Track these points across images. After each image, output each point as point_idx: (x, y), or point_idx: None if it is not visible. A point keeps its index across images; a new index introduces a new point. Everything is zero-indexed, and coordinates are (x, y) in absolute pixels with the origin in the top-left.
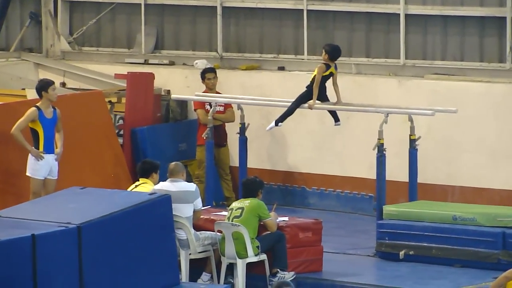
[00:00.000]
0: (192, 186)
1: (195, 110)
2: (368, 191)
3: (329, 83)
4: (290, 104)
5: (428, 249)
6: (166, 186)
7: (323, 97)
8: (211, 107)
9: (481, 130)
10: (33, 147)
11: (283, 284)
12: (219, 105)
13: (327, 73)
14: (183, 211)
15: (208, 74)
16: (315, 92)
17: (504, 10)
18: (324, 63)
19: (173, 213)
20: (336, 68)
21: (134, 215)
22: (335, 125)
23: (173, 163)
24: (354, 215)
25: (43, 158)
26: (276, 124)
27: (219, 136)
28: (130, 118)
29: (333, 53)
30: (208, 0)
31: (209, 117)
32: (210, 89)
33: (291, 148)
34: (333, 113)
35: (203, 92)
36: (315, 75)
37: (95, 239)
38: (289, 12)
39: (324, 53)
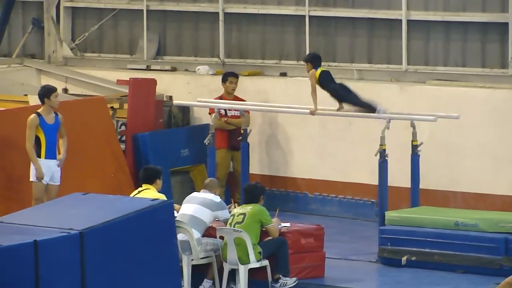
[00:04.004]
0: (217, 198)
1: (209, 113)
2: (370, 197)
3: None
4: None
5: (430, 255)
6: (195, 193)
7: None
8: (225, 112)
9: (483, 136)
10: (39, 167)
11: None
12: (234, 110)
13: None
14: (202, 214)
15: (231, 78)
16: (314, 98)
17: (506, 15)
18: (313, 69)
19: (193, 214)
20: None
21: (136, 221)
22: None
23: (209, 178)
24: (356, 221)
25: (42, 179)
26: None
27: (235, 139)
28: (132, 124)
29: (314, 60)
30: (210, 6)
31: (210, 123)
32: (229, 93)
33: (293, 154)
34: (367, 105)
35: (220, 96)
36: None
37: (97, 245)
38: (291, 18)
39: (306, 65)
